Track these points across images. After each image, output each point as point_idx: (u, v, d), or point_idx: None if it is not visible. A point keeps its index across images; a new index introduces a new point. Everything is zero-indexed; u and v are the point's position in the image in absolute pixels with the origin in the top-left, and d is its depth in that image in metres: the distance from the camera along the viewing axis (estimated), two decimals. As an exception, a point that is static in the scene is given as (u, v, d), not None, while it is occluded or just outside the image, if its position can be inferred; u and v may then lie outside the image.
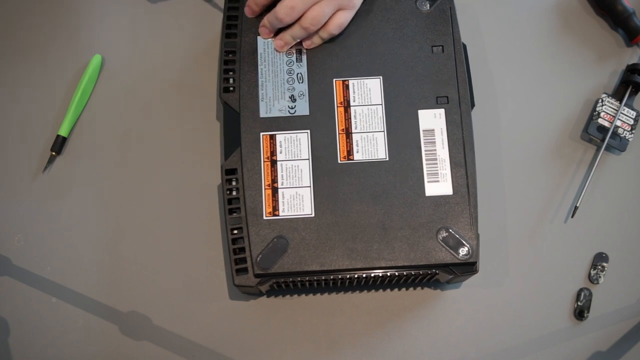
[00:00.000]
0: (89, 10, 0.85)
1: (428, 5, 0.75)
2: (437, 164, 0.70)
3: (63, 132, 0.79)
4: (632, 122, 0.79)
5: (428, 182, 0.70)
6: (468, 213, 0.69)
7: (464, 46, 0.74)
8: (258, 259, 0.68)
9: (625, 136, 0.79)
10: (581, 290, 0.76)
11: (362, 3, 0.74)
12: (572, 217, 0.77)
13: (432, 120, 0.71)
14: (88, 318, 0.74)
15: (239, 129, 0.71)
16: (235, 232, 0.69)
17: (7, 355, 0.73)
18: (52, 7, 0.85)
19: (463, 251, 0.68)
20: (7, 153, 0.80)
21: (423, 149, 0.71)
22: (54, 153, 0.79)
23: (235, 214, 0.70)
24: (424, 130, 0.71)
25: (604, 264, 0.76)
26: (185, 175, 0.78)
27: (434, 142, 0.71)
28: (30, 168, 0.79)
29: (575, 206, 0.77)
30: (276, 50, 0.74)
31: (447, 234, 0.68)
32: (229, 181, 0.70)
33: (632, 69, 0.80)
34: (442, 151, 0.71)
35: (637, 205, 0.79)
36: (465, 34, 0.76)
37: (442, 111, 0.72)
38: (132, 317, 0.74)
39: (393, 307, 0.75)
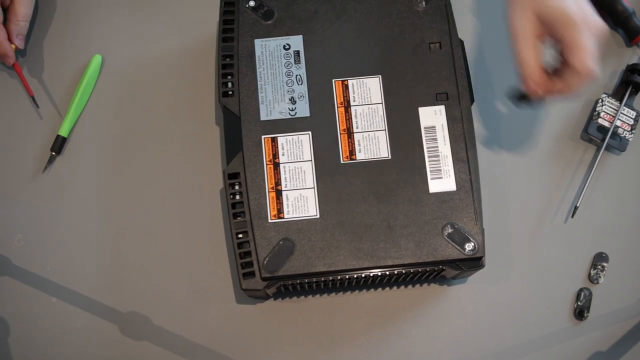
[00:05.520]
0: (89, 10, 0.84)
1: (424, 3, 0.75)
2: (439, 160, 0.70)
3: (63, 132, 0.79)
4: (632, 122, 0.80)
5: (431, 178, 0.70)
6: (472, 208, 0.69)
7: (462, 42, 0.74)
8: (265, 262, 0.67)
9: (625, 136, 0.79)
10: (581, 290, 0.76)
11: (360, 2, 0.74)
12: (572, 217, 0.77)
13: (433, 117, 0.71)
14: (88, 318, 0.74)
15: (240, 132, 0.71)
16: (241, 236, 0.69)
17: (7, 355, 0.73)
18: (52, 7, 0.84)
19: (469, 246, 0.68)
20: (7, 153, 0.79)
21: (425, 146, 0.71)
22: (54, 153, 0.79)
23: (239, 218, 0.69)
24: (425, 128, 0.71)
25: (604, 264, 0.76)
26: (185, 175, 0.78)
27: (436, 139, 0.71)
28: (30, 168, 0.79)
29: (575, 206, 0.77)
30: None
31: (452, 229, 0.68)
32: (232, 185, 0.70)
33: (632, 69, 0.81)
34: (444, 147, 0.71)
35: (637, 205, 0.79)
36: (462, 31, 0.76)
37: (442, 108, 0.72)
38: (132, 318, 0.74)
39: (395, 305, 0.75)
